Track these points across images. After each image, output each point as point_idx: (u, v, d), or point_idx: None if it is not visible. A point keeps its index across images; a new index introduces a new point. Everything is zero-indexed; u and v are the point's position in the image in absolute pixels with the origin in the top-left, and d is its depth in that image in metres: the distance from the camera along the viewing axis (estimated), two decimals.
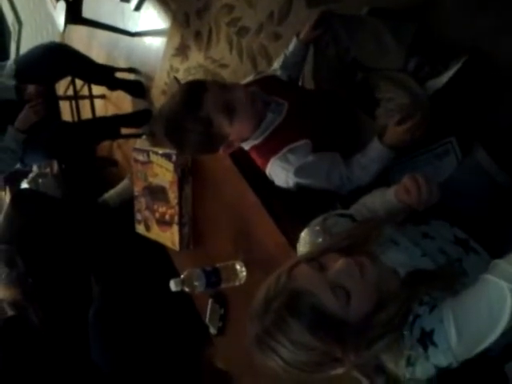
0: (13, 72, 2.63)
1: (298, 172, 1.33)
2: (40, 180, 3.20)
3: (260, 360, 0.88)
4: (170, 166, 1.76)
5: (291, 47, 1.59)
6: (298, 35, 1.56)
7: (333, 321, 0.82)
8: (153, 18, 3.16)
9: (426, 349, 0.81)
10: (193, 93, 1.33)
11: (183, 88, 1.37)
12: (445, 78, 1.28)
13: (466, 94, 1.33)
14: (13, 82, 2.57)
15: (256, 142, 1.41)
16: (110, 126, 2.99)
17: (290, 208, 1.44)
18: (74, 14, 2.92)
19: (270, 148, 1.37)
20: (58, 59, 2.59)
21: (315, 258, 0.91)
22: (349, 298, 0.84)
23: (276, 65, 1.65)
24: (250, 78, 1.61)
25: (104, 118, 3.21)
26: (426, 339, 0.81)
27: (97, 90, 3.39)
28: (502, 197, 1.11)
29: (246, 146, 1.45)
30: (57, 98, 3.08)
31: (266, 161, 1.38)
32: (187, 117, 1.32)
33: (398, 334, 0.85)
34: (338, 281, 0.85)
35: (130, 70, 3.30)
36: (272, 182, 1.43)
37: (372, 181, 1.36)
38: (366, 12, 1.57)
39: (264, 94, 1.45)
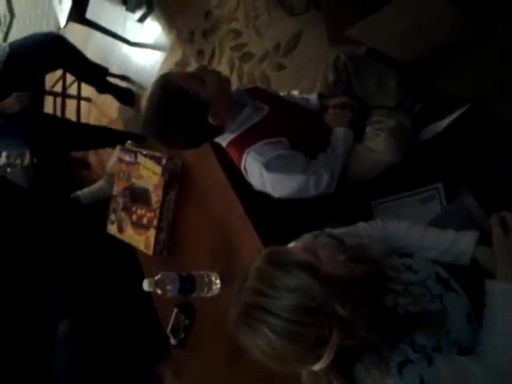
0: (5, 55, 2.57)
1: (270, 163, 1.34)
2: (8, 169, 3.09)
3: (245, 339, 0.87)
4: (158, 170, 1.75)
5: (312, 100, 1.65)
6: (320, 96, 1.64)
7: (307, 265, 0.88)
8: (155, 32, 3.19)
9: None
10: (162, 76, 1.37)
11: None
12: (446, 121, 1.35)
13: (459, 142, 1.41)
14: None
15: (233, 135, 1.42)
16: (103, 139, 2.88)
17: (278, 226, 1.44)
18: (78, 13, 2.93)
19: (247, 141, 1.38)
20: (55, 48, 2.55)
21: None
22: (317, 256, 0.91)
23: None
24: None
25: (99, 129, 3.04)
26: None
27: (84, 91, 3.35)
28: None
29: (224, 142, 1.45)
30: (44, 91, 3.01)
31: (242, 153, 1.38)
32: (162, 94, 1.32)
33: (383, 343, 0.87)
34: (307, 245, 0.97)
35: (123, 78, 3.29)
36: (261, 196, 1.45)
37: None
38: (364, 50, 1.66)
39: (247, 98, 1.48)
